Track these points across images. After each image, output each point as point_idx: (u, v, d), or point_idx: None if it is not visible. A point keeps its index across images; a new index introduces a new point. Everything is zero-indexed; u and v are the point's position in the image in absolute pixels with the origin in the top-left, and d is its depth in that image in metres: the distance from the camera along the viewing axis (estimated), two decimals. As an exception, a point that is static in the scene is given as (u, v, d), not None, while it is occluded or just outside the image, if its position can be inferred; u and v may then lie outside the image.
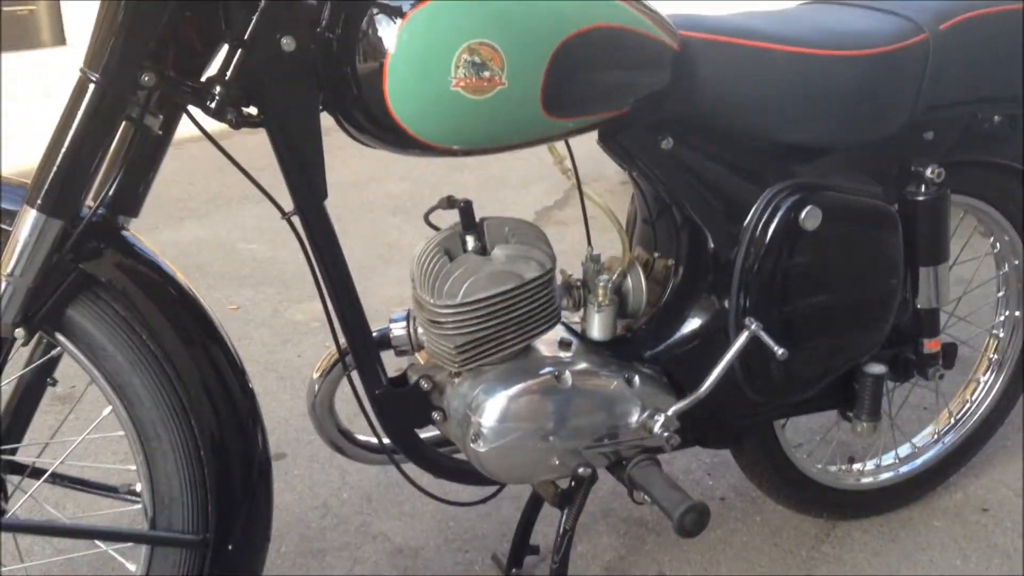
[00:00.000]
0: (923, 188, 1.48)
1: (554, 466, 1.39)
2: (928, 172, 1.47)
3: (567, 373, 1.38)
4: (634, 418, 1.41)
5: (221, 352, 1.24)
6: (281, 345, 2.64)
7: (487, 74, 1.13)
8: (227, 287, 3.08)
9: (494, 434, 1.34)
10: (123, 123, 1.13)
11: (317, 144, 1.21)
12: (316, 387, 1.44)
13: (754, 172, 1.41)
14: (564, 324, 1.49)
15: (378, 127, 1.17)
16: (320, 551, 1.77)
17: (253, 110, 1.17)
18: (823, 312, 1.44)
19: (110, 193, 1.17)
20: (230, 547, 1.16)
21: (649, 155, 1.37)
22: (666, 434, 1.41)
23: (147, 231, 1.27)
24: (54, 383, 1.35)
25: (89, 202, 1.15)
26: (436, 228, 1.37)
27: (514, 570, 1.66)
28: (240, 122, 1.14)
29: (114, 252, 1.17)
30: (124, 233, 1.20)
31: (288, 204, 1.23)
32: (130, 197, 1.20)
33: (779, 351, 1.37)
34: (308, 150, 1.20)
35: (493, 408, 1.34)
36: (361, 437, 1.49)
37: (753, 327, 1.39)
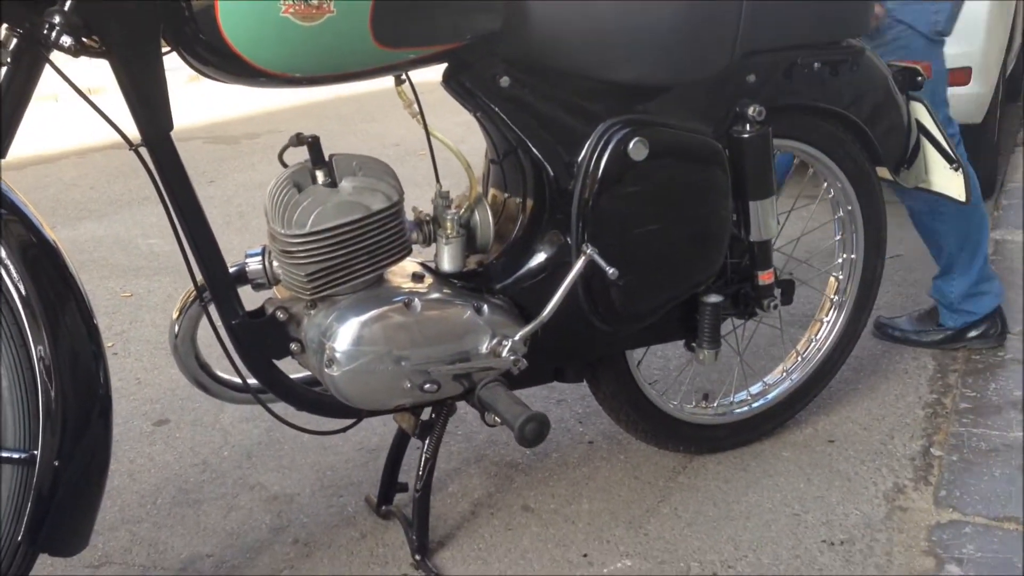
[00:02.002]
0: (746, 126, 1.60)
1: (406, 390, 1.46)
2: (750, 111, 1.59)
3: (417, 300, 1.46)
4: (484, 344, 1.50)
5: (71, 295, 1.27)
6: (172, 326, 2.67)
7: (315, 2, 1.21)
8: (122, 278, 3.10)
9: (347, 358, 1.41)
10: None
11: (160, 75, 1.27)
12: (176, 326, 1.49)
13: (588, 109, 1.51)
14: (420, 262, 1.57)
15: (216, 56, 1.24)
16: (197, 501, 1.81)
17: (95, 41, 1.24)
18: (657, 240, 1.55)
19: None
20: (57, 464, 1.20)
21: (489, 94, 1.47)
22: (513, 357, 1.50)
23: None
24: None
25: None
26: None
27: (384, 507, 1.73)
28: (80, 51, 1.20)
29: None
30: None
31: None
32: None
33: (610, 271, 1.46)
34: (151, 81, 1.26)
35: (345, 333, 1.41)
36: (224, 375, 1.54)
37: (589, 251, 1.48)
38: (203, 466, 1.93)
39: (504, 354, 1.49)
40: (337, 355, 1.41)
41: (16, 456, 1.20)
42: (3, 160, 1.27)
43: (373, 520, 1.72)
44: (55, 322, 1.25)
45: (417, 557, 1.59)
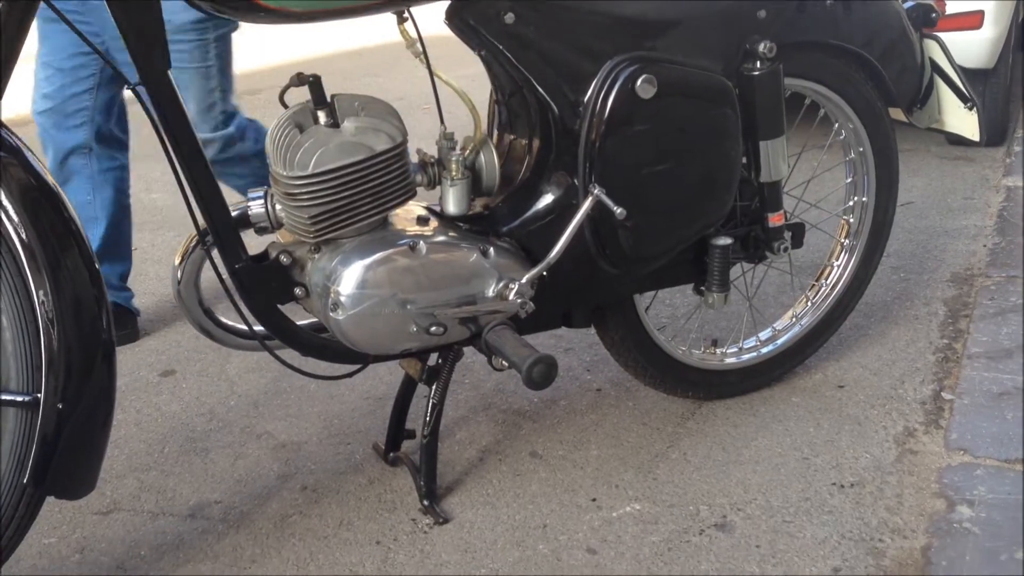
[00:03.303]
0: (757, 64, 1.57)
1: (412, 333, 1.45)
2: (761, 48, 1.55)
3: (422, 243, 1.44)
4: (490, 287, 1.48)
5: (72, 239, 1.26)
6: (177, 280, 2.65)
7: (314, -68, 1.17)
8: (126, 232, 3.07)
9: (352, 301, 1.40)
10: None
11: (157, 12, 1.24)
12: (179, 272, 1.47)
13: (595, 46, 1.47)
14: (425, 206, 1.55)
15: (214, -10, 1.21)
16: (204, 450, 1.81)
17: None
18: (665, 180, 1.52)
19: None
20: (61, 407, 1.20)
21: (493, 31, 1.43)
22: (520, 300, 1.48)
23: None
24: None
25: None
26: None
27: (391, 453, 1.72)
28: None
29: None
30: None
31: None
32: None
33: (618, 210, 1.44)
34: (147, 17, 1.24)
35: (350, 276, 1.40)
36: (228, 321, 1.53)
37: (596, 191, 1.46)
38: (210, 415, 1.93)
39: (511, 297, 1.48)
40: (342, 299, 1.39)
41: (20, 399, 1.19)
42: (1, 101, 1.25)
43: (381, 467, 1.72)
44: (57, 266, 1.23)
45: (425, 502, 1.58)
